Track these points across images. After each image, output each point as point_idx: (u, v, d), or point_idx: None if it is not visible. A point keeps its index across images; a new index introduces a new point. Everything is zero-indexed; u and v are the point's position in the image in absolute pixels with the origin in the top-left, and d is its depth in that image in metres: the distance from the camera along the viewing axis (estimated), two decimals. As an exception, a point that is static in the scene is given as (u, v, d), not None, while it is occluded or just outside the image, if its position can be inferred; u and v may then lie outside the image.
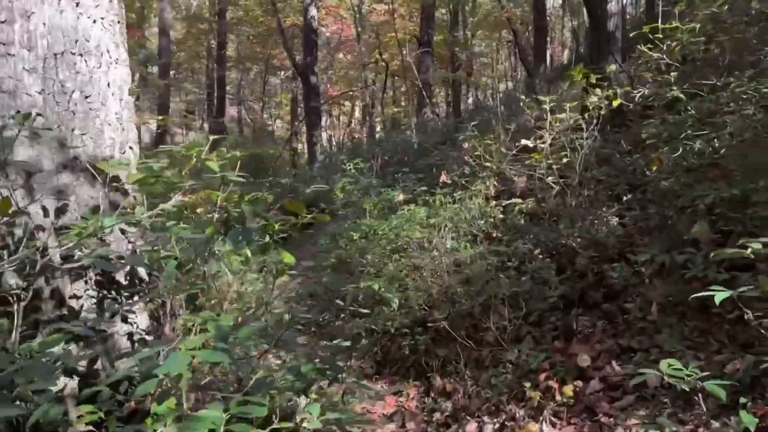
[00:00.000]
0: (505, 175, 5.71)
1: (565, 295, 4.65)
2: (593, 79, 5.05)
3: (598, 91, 5.12)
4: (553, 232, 4.81)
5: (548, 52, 20.31)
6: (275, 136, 28.60)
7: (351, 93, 22.07)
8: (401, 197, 6.03)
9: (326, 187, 7.25)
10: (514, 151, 5.13)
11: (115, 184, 2.98)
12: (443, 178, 5.72)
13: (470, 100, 23.06)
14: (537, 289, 4.69)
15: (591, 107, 4.98)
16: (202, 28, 23.94)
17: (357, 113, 28.70)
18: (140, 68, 25.04)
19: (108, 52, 3.05)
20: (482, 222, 5.25)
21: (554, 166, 4.55)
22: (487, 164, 5.37)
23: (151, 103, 25.25)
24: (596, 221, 4.93)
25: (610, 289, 4.82)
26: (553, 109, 4.81)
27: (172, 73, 29.68)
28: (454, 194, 5.70)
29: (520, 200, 4.94)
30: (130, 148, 3.21)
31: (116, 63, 3.12)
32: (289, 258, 2.71)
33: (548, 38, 20.17)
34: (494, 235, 5.20)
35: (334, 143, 29.48)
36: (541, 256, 4.79)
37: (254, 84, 30.78)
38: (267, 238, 2.69)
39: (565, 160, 4.62)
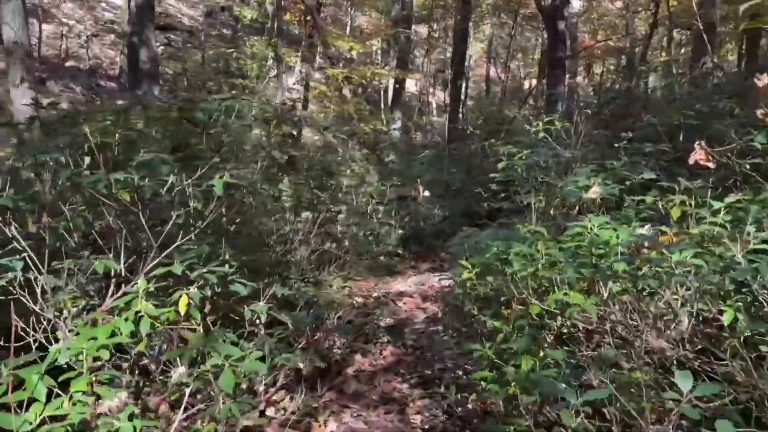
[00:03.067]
0: None
1: None
2: None
3: None
4: None
5: None
6: (524, 95, 25.23)
7: (611, 43, 17.62)
8: (596, 190, 2.80)
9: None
10: None
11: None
12: (697, 155, 2.41)
13: (774, 52, 16.91)
14: None
15: None
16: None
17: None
18: (391, 24, 23.53)
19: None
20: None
21: None
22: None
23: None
24: None
25: None
26: None
27: (426, 29, 27.90)
28: (720, 196, 2.35)
29: None
30: None
31: None
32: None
33: None
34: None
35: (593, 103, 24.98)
36: None
37: (511, 40, 27.43)
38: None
39: None
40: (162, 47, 20.96)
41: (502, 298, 2.50)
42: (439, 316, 5.35)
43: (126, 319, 1.86)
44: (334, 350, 4.12)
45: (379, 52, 26.94)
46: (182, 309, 1.93)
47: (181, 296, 1.95)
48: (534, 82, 28.91)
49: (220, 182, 2.28)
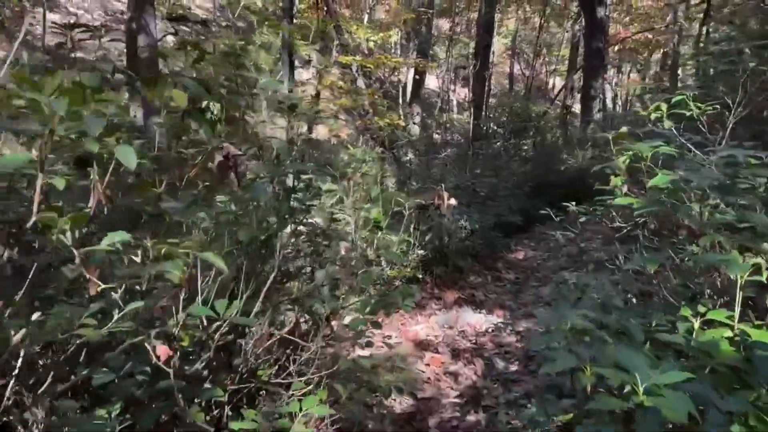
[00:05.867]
0: None
1: None
2: None
3: None
4: None
5: None
6: (551, 94, 23.34)
7: (650, 36, 15.64)
8: None
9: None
10: None
11: None
12: None
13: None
14: None
15: None
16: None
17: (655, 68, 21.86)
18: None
19: None
20: None
21: None
22: None
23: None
24: None
25: None
26: None
27: (448, 23, 26.06)
28: None
29: None
30: None
31: None
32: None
33: None
34: None
35: (619, 105, 23.00)
36: None
37: (539, 34, 25.39)
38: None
39: None
40: (170, 37, 19.50)
41: None
42: (479, 389, 3.66)
43: None
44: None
45: (398, 45, 25.08)
46: None
47: None
48: (558, 79, 26.90)
49: None
